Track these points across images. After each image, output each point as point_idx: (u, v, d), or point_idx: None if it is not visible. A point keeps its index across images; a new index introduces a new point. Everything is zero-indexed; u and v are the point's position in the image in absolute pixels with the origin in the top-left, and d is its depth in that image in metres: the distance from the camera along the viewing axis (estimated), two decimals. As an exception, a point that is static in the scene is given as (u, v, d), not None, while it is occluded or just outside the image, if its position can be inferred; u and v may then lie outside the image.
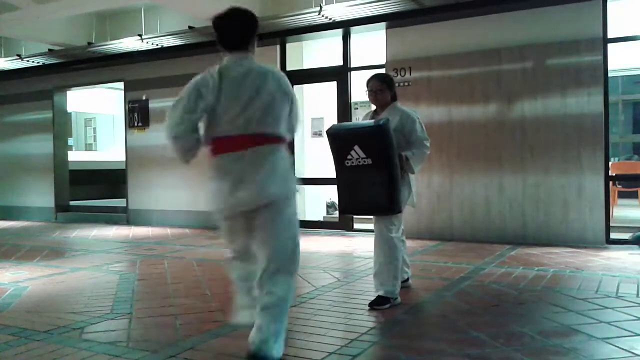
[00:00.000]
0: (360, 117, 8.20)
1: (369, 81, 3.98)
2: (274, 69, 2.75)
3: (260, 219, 2.59)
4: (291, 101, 2.70)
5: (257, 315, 2.58)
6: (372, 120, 3.84)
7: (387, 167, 3.60)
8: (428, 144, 3.89)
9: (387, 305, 3.64)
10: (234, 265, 2.82)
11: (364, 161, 3.62)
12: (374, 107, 4.07)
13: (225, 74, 2.60)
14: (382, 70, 6.79)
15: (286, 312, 2.63)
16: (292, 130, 2.76)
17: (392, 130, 3.63)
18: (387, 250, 3.72)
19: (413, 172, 3.86)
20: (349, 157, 3.66)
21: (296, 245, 2.67)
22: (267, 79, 2.62)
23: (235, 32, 2.72)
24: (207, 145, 2.66)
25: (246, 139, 2.57)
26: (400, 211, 3.72)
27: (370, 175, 3.62)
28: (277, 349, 2.53)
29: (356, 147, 3.63)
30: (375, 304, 3.64)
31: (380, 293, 3.70)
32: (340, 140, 3.76)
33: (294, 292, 2.77)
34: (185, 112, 2.59)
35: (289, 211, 2.65)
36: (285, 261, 2.61)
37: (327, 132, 3.83)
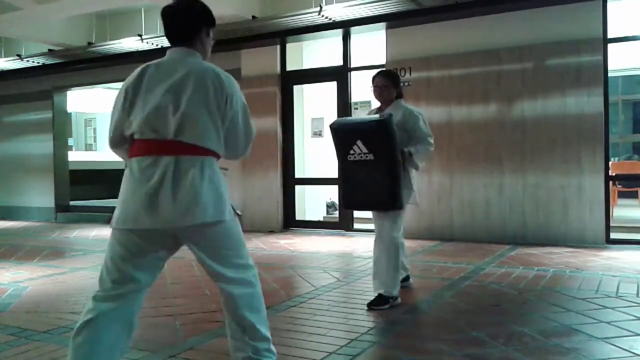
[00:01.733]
0: (360, 115, 8.20)
1: (374, 77, 3.99)
2: (216, 70, 2.27)
3: (194, 246, 2.26)
4: (233, 112, 2.27)
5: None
6: (376, 115, 3.85)
7: (389, 163, 3.61)
8: (432, 141, 3.89)
9: (387, 306, 3.64)
10: (94, 306, 2.22)
11: (366, 156, 3.62)
12: (377, 104, 4.09)
13: (149, 69, 2.28)
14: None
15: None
16: (233, 146, 2.33)
17: (394, 126, 3.64)
18: (387, 249, 3.72)
19: (417, 168, 3.87)
20: (351, 151, 3.67)
21: (245, 268, 2.35)
22: (200, 80, 2.22)
23: (175, 23, 2.37)
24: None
25: (163, 145, 2.18)
26: (401, 207, 3.71)
27: (373, 170, 3.63)
28: None
29: (359, 142, 3.63)
30: (375, 304, 3.64)
31: (380, 292, 3.70)
32: (343, 134, 3.77)
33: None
34: (113, 119, 2.33)
35: (224, 235, 2.28)
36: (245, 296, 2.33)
37: (331, 126, 3.85)
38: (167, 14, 2.38)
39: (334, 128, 3.82)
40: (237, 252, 2.33)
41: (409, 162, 3.77)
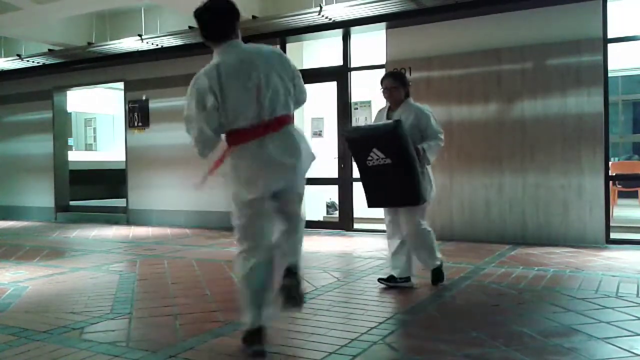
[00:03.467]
0: (360, 117, 8.23)
1: (383, 79, 4.18)
2: (270, 48, 2.83)
3: (287, 193, 2.82)
4: (294, 75, 2.83)
5: (289, 245, 2.96)
6: (388, 121, 4.03)
7: (406, 164, 3.84)
8: (442, 137, 4.13)
9: (444, 277, 4.23)
10: (251, 261, 2.77)
11: (384, 161, 3.85)
12: (383, 104, 4.24)
13: (223, 69, 2.65)
14: (382, 71, 6.79)
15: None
16: (300, 99, 2.92)
17: (408, 127, 3.89)
18: (423, 241, 4.10)
19: (429, 163, 4.08)
20: (369, 158, 3.90)
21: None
22: (266, 59, 2.72)
23: (220, 22, 2.73)
24: (223, 139, 2.78)
25: (265, 126, 2.67)
26: (425, 201, 3.98)
27: (392, 173, 3.86)
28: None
29: (375, 150, 3.85)
30: (439, 280, 4.23)
31: (437, 264, 4.23)
32: (358, 144, 4.01)
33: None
34: (201, 121, 2.68)
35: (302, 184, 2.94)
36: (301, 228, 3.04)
37: (345, 137, 4.19)
38: (209, 15, 2.72)
39: (349, 139, 4.10)
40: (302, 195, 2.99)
41: (422, 158, 3.96)
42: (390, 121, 3.98)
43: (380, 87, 4.18)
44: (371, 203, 4.20)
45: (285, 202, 2.87)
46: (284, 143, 2.72)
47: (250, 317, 2.76)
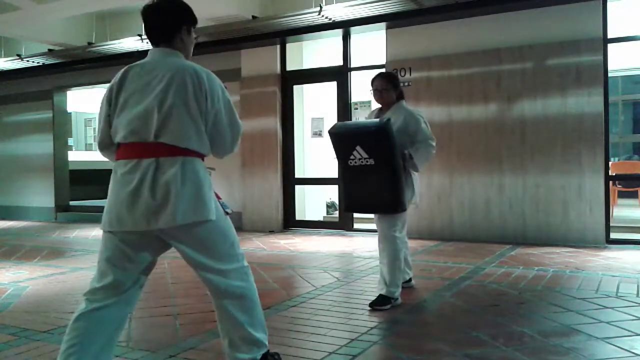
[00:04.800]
0: (360, 118, 8.21)
1: (374, 80, 3.96)
2: (196, 68, 2.23)
3: (180, 247, 2.25)
4: (215, 109, 2.23)
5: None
6: (375, 119, 3.82)
7: (389, 167, 3.60)
8: (434, 144, 3.88)
9: (388, 306, 3.64)
10: (87, 307, 2.18)
11: (367, 161, 3.61)
12: (377, 106, 4.07)
13: (130, 72, 2.26)
14: (382, 71, 6.78)
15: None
16: (219, 143, 2.30)
17: (395, 130, 3.63)
18: (389, 250, 3.74)
19: (417, 171, 3.86)
20: (351, 157, 3.66)
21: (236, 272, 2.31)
22: (178, 79, 2.18)
23: (155, 22, 2.33)
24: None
25: (143, 148, 2.18)
26: (404, 210, 3.73)
27: (373, 175, 3.62)
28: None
29: (358, 148, 3.62)
30: (377, 304, 3.65)
31: (382, 293, 3.70)
32: (342, 140, 3.75)
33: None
34: (100, 124, 2.33)
35: (212, 235, 2.25)
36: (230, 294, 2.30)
37: (330, 131, 3.81)
38: (147, 14, 2.35)
39: (333, 133, 3.80)
40: (224, 249, 2.28)
41: (409, 164, 3.78)
42: (378, 119, 3.76)
43: (370, 87, 3.97)
44: (348, 207, 3.99)
45: (187, 257, 2.27)
46: (156, 175, 2.14)
47: None
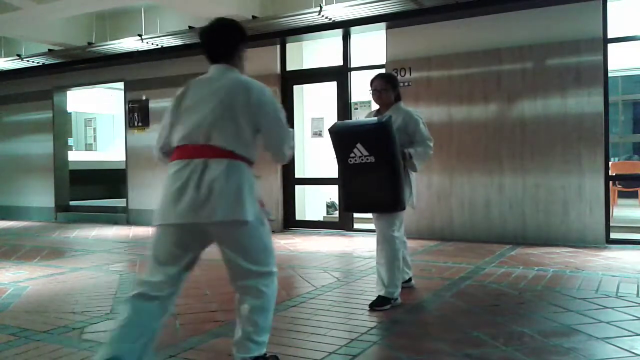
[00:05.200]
0: (360, 117, 8.20)
1: (373, 80, 3.98)
2: (249, 81, 2.48)
3: (221, 243, 2.42)
4: (265, 118, 2.46)
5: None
6: (375, 118, 3.83)
7: (389, 165, 3.60)
8: (431, 144, 3.90)
9: (388, 306, 3.64)
10: (133, 294, 2.36)
11: (367, 159, 3.61)
12: (376, 107, 4.09)
13: (192, 85, 2.53)
14: (382, 71, 6.79)
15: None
16: (274, 149, 2.57)
17: (395, 129, 3.63)
18: (388, 250, 3.73)
19: (415, 170, 3.87)
20: (351, 155, 3.66)
21: (264, 277, 2.45)
22: (231, 92, 2.43)
23: (216, 44, 2.58)
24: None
25: (194, 149, 2.39)
26: (403, 208, 3.73)
27: (374, 173, 3.62)
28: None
29: (358, 145, 3.62)
30: (376, 305, 3.65)
31: (381, 293, 3.70)
32: (343, 138, 3.76)
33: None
34: (163, 132, 2.58)
35: (247, 237, 2.40)
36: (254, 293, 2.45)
37: (330, 130, 3.82)
38: (208, 35, 2.60)
39: (333, 132, 3.80)
40: (258, 253, 2.45)
41: (407, 164, 3.78)
42: (380, 117, 3.77)
43: (369, 88, 3.99)
44: (348, 207, 3.99)
45: (225, 259, 2.46)
46: (203, 174, 2.33)
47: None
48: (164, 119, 2.58)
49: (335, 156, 3.86)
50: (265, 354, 2.47)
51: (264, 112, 2.46)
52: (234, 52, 2.57)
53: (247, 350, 2.43)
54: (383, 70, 6.84)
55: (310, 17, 6.88)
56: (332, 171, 7.73)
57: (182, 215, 2.32)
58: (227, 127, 2.39)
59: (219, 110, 2.40)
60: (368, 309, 3.63)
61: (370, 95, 4.01)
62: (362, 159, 3.63)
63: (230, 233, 2.38)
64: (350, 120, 6.90)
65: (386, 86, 3.93)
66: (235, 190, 2.35)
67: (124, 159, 9.83)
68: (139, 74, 9.37)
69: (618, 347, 2.80)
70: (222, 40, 2.57)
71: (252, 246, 2.42)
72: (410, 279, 4.24)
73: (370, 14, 6.75)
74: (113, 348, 2.26)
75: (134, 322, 2.30)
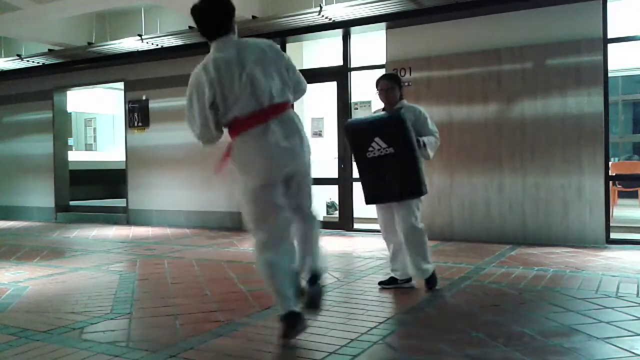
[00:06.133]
0: (358, 117, 8.21)
1: (378, 81, 4.18)
2: (266, 41, 2.91)
3: (297, 180, 2.89)
4: (287, 63, 2.91)
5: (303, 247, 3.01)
6: (385, 112, 4.06)
7: (410, 153, 3.83)
8: (438, 136, 4.17)
9: (437, 284, 4.10)
10: (267, 249, 2.86)
11: (387, 151, 3.81)
12: (377, 107, 4.22)
13: (220, 63, 2.76)
14: (382, 71, 6.79)
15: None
16: (298, 89, 2.99)
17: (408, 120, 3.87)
18: (413, 239, 3.97)
19: (428, 158, 4.07)
20: (370, 149, 3.84)
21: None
22: (260, 50, 2.82)
23: (215, 19, 2.83)
24: (225, 129, 2.87)
25: (265, 112, 2.76)
26: (427, 192, 3.96)
27: (395, 162, 3.83)
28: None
29: (377, 139, 3.81)
30: (432, 284, 4.08)
31: (427, 276, 4.07)
32: (360, 134, 3.95)
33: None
34: (203, 119, 2.79)
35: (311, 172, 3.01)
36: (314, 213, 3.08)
37: (345, 127, 4.05)
38: (205, 13, 2.82)
39: (349, 128, 4.01)
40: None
41: (421, 152, 3.97)
42: (393, 110, 4.00)
43: (375, 89, 4.19)
44: (370, 199, 4.09)
45: (295, 194, 2.92)
46: (286, 127, 2.80)
47: (282, 304, 2.86)
48: (199, 104, 2.77)
49: (352, 152, 4.07)
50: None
51: (289, 61, 2.93)
52: (232, 24, 2.87)
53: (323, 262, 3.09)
54: (383, 71, 6.84)
55: (311, 17, 6.88)
56: (333, 171, 7.74)
57: (299, 164, 2.84)
58: (276, 83, 2.81)
59: (268, 71, 2.77)
60: (368, 308, 3.63)
61: (377, 96, 4.19)
62: (380, 152, 3.83)
63: (307, 171, 2.95)
64: (363, 117, 6.92)
65: (392, 85, 4.13)
66: (305, 134, 2.91)
67: (124, 159, 9.83)
68: (139, 74, 9.37)
69: (618, 347, 2.80)
70: (223, 16, 2.83)
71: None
72: (410, 278, 4.25)
73: (370, 14, 6.75)
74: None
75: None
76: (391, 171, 3.84)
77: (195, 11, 2.84)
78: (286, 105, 2.85)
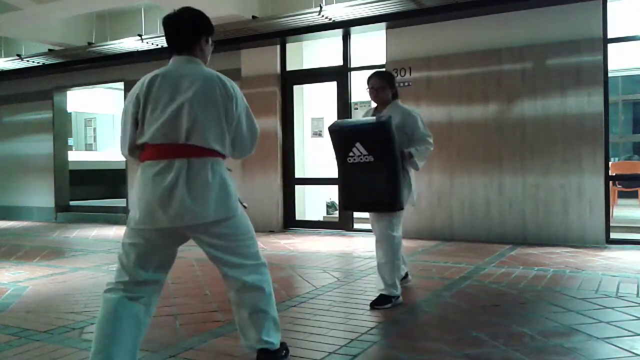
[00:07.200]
0: (360, 116, 8.22)
1: (369, 78, 3.96)
2: (220, 76, 2.43)
3: (204, 241, 2.42)
4: (238, 113, 2.44)
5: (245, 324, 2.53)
6: (374, 117, 3.83)
7: (389, 164, 3.59)
8: (431, 140, 3.88)
9: (389, 305, 3.65)
10: (107, 294, 2.36)
11: (366, 158, 3.61)
12: (374, 105, 4.08)
13: (157, 79, 2.39)
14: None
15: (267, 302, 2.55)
16: (240, 145, 2.51)
17: (394, 128, 3.62)
18: (387, 249, 3.73)
19: (417, 169, 3.84)
20: (350, 154, 3.65)
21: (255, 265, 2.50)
22: (206, 85, 2.37)
23: (178, 33, 2.48)
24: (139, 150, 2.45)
25: (175, 149, 2.33)
26: (402, 208, 3.72)
27: (372, 172, 3.61)
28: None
29: (358, 144, 3.61)
30: (377, 304, 3.65)
31: (383, 292, 3.70)
32: (342, 137, 3.75)
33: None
34: (127, 128, 2.43)
35: (235, 228, 2.43)
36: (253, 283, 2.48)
37: (329, 128, 3.81)
38: (169, 24, 2.50)
39: (333, 130, 3.79)
40: (246, 243, 2.49)
41: (408, 163, 3.77)
42: (380, 115, 3.78)
43: (366, 86, 3.97)
44: (346, 205, 3.99)
45: (220, 253, 2.44)
46: (192, 176, 2.31)
47: None
48: (125, 116, 2.42)
49: (334, 155, 3.85)
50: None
51: (238, 105, 2.44)
52: (195, 43, 2.49)
53: (276, 334, 2.56)
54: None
55: (310, 17, 6.88)
56: (332, 171, 7.72)
57: (174, 219, 2.29)
58: (207, 123, 2.35)
59: (198, 106, 2.33)
60: (369, 308, 3.63)
61: (368, 94, 3.99)
62: (361, 158, 3.62)
63: (219, 228, 2.39)
64: (350, 119, 6.90)
65: (383, 84, 3.90)
66: (224, 189, 2.38)
67: (123, 159, 9.81)
68: (139, 74, 9.21)
69: (618, 347, 2.80)
70: (183, 31, 2.47)
71: (239, 238, 2.46)
72: (407, 275, 4.24)
73: (370, 14, 6.75)
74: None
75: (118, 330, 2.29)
76: (368, 180, 3.62)
77: (163, 21, 2.52)
78: (207, 153, 2.35)
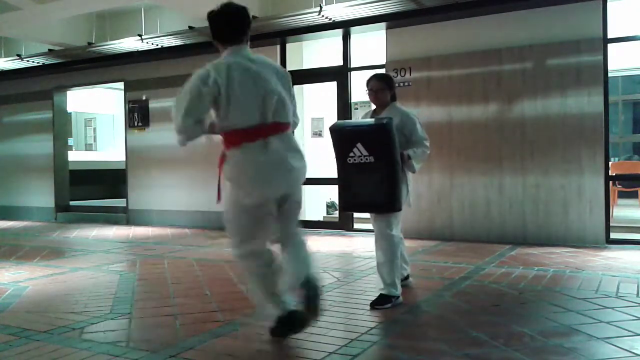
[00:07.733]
0: (359, 117, 8.22)
1: (369, 81, 4.01)
2: (276, 63, 3.00)
3: (290, 203, 2.90)
4: (293, 91, 2.99)
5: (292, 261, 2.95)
6: (374, 119, 3.85)
7: (388, 166, 3.62)
8: (428, 144, 3.92)
9: (389, 305, 3.65)
10: (251, 260, 2.90)
11: (366, 159, 3.64)
12: (373, 106, 4.10)
13: (235, 69, 2.71)
14: (382, 71, 6.79)
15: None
16: (296, 119, 3.02)
17: (394, 129, 3.65)
18: (387, 248, 3.73)
19: (414, 171, 3.87)
20: (351, 154, 3.69)
21: None
22: (277, 70, 2.89)
23: (243, 24, 2.84)
24: (221, 136, 2.82)
25: (269, 128, 2.75)
26: (400, 209, 3.74)
27: (372, 173, 3.64)
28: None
29: (359, 145, 3.65)
30: (377, 304, 3.65)
31: (383, 292, 3.71)
32: (343, 137, 3.79)
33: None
34: (191, 107, 2.67)
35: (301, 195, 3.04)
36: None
37: (330, 129, 3.85)
38: (235, 14, 2.83)
39: (334, 131, 3.83)
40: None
41: (406, 165, 3.80)
42: (379, 118, 3.80)
43: (365, 88, 4.02)
44: (346, 206, 4.02)
45: (287, 217, 2.93)
46: (288, 145, 2.81)
47: (274, 308, 2.90)
48: (198, 91, 2.65)
49: (334, 155, 3.88)
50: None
51: (291, 85, 2.96)
52: (248, 33, 2.88)
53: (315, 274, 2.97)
54: (383, 71, 6.84)
55: (311, 17, 6.88)
56: (332, 171, 7.71)
57: (292, 185, 2.85)
58: (287, 104, 2.83)
59: (280, 90, 2.79)
60: (369, 308, 3.63)
61: (367, 96, 4.04)
62: (361, 159, 3.65)
63: (300, 193, 2.97)
64: (350, 120, 6.90)
65: (382, 86, 3.94)
66: (304, 155, 2.94)
67: (124, 159, 9.83)
68: (139, 74, 9.37)
69: (618, 347, 2.80)
70: (245, 24, 2.85)
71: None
72: (408, 276, 4.24)
73: (370, 14, 6.75)
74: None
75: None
76: (367, 181, 3.67)
77: (213, 15, 2.84)
78: (289, 127, 2.89)
